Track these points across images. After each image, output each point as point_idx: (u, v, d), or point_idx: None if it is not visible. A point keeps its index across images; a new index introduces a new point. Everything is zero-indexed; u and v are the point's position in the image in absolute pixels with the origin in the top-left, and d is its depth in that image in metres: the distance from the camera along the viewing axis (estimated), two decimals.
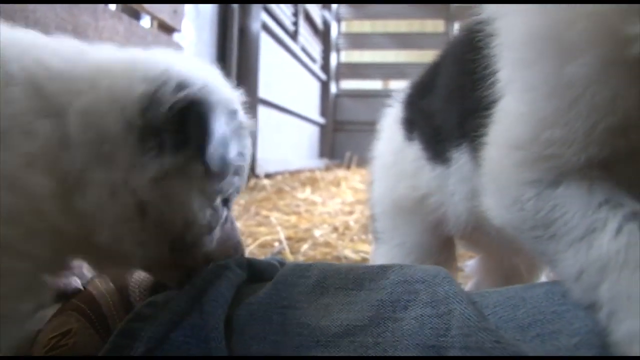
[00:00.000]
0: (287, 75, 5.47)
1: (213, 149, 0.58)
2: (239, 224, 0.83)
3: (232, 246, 0.74)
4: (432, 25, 7.66)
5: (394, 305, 0.58)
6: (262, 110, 4.34)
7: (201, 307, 0.62)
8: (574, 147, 0.53)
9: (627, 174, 0.55)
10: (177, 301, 0.64)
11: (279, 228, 2.09)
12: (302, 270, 0.67)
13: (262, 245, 1.91)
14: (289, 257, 1.77)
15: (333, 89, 7.52)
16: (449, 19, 7.37)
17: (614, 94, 0.49)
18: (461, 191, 0.81)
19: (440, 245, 0.98)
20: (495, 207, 0.62)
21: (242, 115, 0.69)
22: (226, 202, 0.69)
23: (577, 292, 0.53)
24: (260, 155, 4.10)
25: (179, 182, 0.60)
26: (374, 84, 8.00)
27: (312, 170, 5.06)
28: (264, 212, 2.56)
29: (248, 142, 0.70)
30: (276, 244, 1.93)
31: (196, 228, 0.64)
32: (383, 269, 0.64)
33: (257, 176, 3.94)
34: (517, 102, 0.58)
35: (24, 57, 0.57)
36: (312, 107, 6.77)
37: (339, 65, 7.74)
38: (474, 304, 0.56)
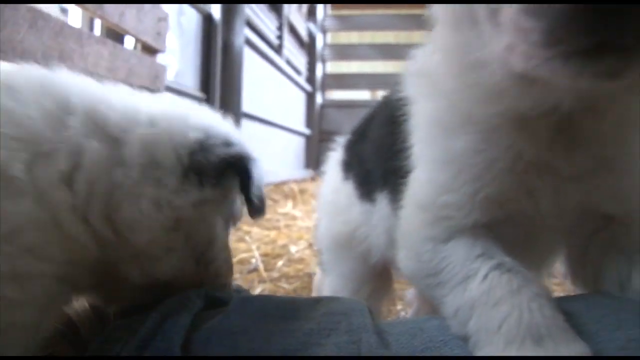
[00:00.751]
0: (272, 88, 5.55)
1: (256, 192, 0.77)
2: None
3: (230, 265, 0.88)
4: (420, 36, 7.76)
5: (320, 333, 0.68)
6: (246, 124, 4.41)
7: (163, 332, 0.71)
8: (462, 212, 0.65)
9: (507, 235, 0.67)
10: (144, 326, 0.72)
11: (254, 246, 2.18)
12: (251, 301, 0.77)
13: (240, 262, 2.00)
14: (264, 274, 1.86)
15: (319, 99, 7.60)
16: None
17: (488, 165, 0.61)
18: (382, 226, 0.95)
19: (375, 274, 1.11)
20: (403, 259, 0.74)
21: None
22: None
23: (455, 327, 0.64)
24: None
25: (211, 208, 0.77)
26: (361, 94, 8.11)
27: (297, 182, 5.14)
28: (245, 228, 2.64)
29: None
30: (253, 260, 2.02)
31: (216, 245, 0.80)
32: (315, 302, 0.76)
33: None
34: (422, 172, 0.71)
35: (85, 92, 0.71)
36: (297, 118, 6.84)
37: (325, 76, 7.82)
38: (380, 334, 0.67)
